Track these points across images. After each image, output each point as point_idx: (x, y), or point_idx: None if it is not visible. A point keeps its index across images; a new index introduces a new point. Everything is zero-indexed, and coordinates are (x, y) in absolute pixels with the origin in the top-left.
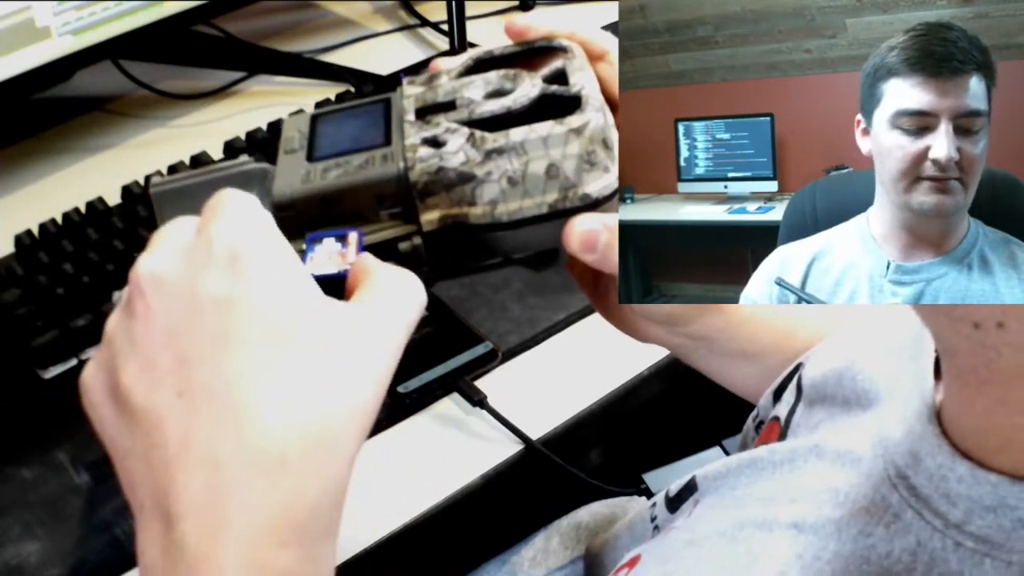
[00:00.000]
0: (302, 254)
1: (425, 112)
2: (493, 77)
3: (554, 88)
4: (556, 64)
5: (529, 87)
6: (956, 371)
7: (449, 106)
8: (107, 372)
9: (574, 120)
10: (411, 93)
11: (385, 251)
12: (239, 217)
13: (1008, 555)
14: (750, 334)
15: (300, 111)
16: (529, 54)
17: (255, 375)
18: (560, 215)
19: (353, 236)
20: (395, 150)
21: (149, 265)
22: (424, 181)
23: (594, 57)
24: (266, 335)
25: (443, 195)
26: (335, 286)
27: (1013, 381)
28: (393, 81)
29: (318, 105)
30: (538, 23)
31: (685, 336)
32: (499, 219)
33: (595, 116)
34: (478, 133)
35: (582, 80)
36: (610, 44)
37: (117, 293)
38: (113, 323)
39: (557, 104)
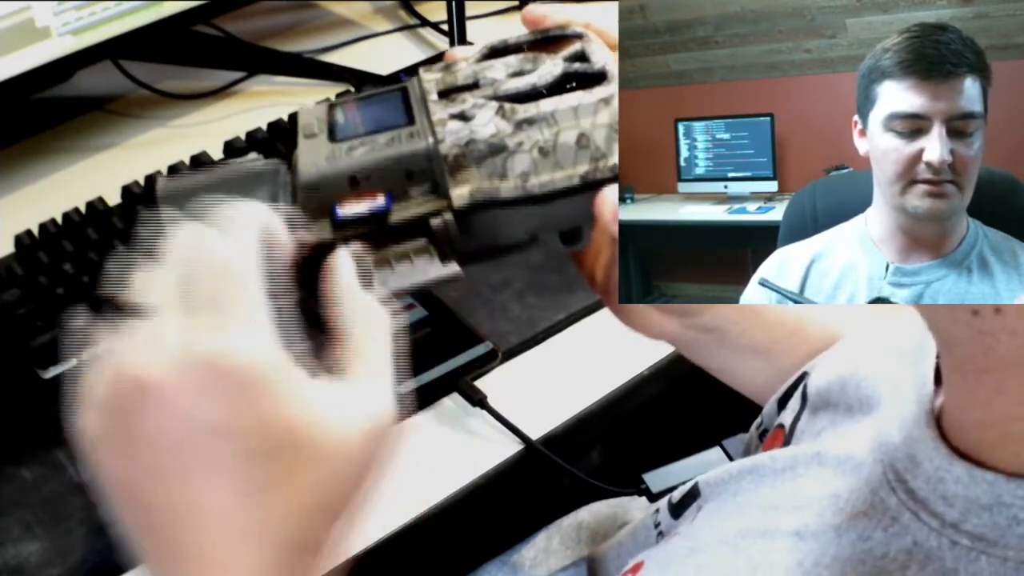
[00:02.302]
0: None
1: (448, 92)
2: (513, 60)
3: (576, 65)
4: (575, 46)
5: (551, 66)
6: (955, 363)
7: (472, 87)
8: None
9: (602, 91)
10: (430, 79)
11: (416, 228)
12: (247, 332)
13: (1003, 552)
14: (762, 326)
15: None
16: (543, 43)
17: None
18: (590, 187)
19: (381, 197)
20: (421, 127)
21: (141, 366)
22: (455, 154)
23: (608, 47)
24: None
25: (473, 169)
26: (371, 222)
27: (1010, 368)
28: (394, 81)
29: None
30: (555, 12)
31: (697, 328)
32: (531, 191)
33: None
34: (507, 105)
35: (604, 57)
36: None
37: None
38: (99, 419)
39: (581, 81)
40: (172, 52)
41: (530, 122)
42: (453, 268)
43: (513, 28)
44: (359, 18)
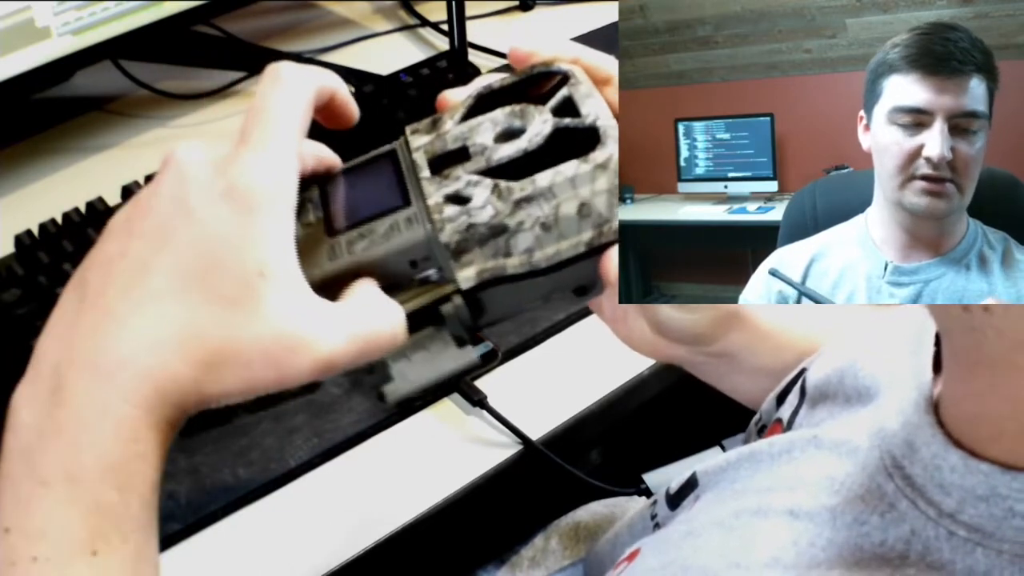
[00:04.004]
0: None
1: (439, 164)
2: (500, 116)
3: (567, 121)
4: (562, 93)
5: (540, 123)
6: (951, 351)
7: (462, 154)
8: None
9: (598, 156)
10: (418, 144)
11: (427, 315)
12: (267, 158)
13: (999, 544)
14: (772, 349)
15: None
16: (529, 82)
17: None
18: (597, 252)
19: None
20: (417, 211)
21: (185, 148)
22: (456, 240)
23: (599, 82)
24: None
25: (477, 251)
26: None
27: (1000, 366)
28: (393, 81)
29: None
30: (541, 49)
31: (708, 355)
32: (537, 266)
33: (617, 147)
34: (503, 184)
35: (594, 109)
36: (614, 69)
37: None
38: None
39: (572, 137)
40: (172, 52)
41: (528, 200)
42: (469, 355)
43: (513, 28)
44: (359, 18)
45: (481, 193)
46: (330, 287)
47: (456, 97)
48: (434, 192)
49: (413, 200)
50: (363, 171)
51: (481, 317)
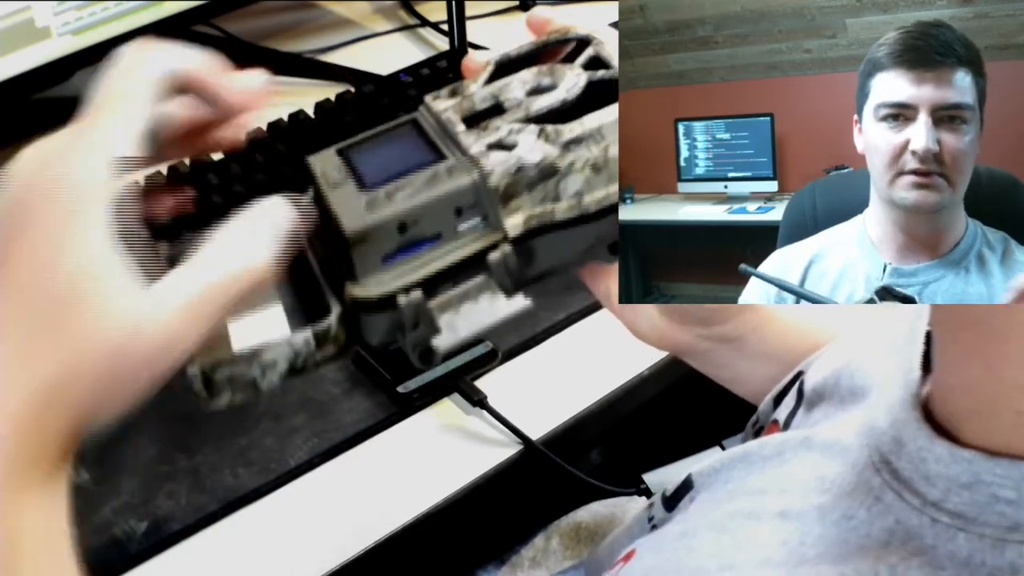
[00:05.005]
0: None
1: (474, 120)
2: (528, 76)
3: (601, 73)
4: (588, 52)
5: (574, 77)
6: (939, 317)
7: (496, 110)
8: None
9: None
10: (444, 107)
11: (474, 265)
12: (87, 152)
13: (981, 528)
14: (780, 334)
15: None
16: (545, 49)
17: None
18: None
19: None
20: (458, 161)
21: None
22: (506, 184)
23: None
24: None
25: (526, 195)
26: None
27: (981, 329)
28: (393, 81)
29: (318, 107)
30: (559, 17)
31: (716, 339)
32: (587, 210)
33: None
34: (549, 127)
35: None
36: None
37: None
38: None
39: (606, 90)
40: None
41: (578, 141)
42: (520, 302)
43: (513, 28)
44: (359, 18)
45: (527, 138)
46: (373, 240)
47: (480, 59)
48: (474, 143)
49: (448, 153)
50: (385, 136)
51: (528, 267)
